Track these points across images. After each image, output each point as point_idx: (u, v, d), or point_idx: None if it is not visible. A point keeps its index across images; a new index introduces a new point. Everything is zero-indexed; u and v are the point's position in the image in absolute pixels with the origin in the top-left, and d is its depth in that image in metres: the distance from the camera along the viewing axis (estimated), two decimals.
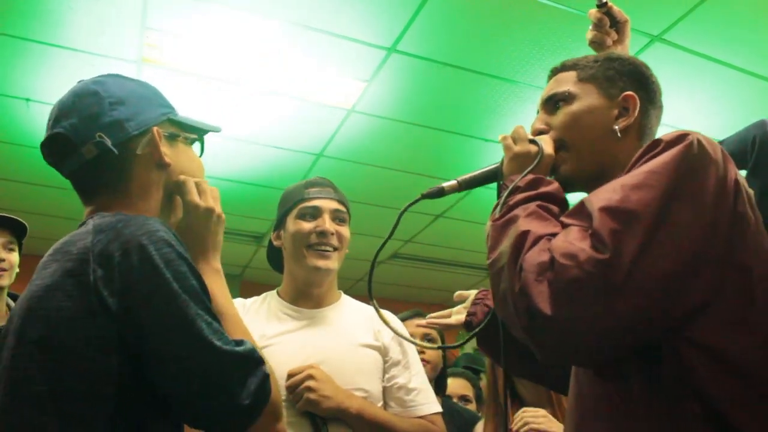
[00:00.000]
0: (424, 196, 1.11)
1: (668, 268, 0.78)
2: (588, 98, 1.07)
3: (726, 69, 3.12)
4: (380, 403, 1.56)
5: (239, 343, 0.91)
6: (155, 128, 1.05)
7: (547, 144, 1.06)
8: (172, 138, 1.09)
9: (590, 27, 1.33)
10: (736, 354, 0.79)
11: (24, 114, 3.49)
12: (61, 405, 0.84)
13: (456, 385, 2.71)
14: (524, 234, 0.87)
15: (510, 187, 1.00)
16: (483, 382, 3.11)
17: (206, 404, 0.87)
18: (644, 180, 0.82)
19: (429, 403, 1.60)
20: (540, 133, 1.09)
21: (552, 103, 1.10)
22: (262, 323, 1.58)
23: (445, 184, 1.11)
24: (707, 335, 0.80)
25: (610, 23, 1.32)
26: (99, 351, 0.85)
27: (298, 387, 1.44)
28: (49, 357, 0.86)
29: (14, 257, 2.32)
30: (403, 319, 2.22)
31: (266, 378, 0.91)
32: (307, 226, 1.62)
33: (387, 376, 1.59)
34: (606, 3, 1.31)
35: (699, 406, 0.78)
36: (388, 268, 5.83)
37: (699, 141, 0.86)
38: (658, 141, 0.88)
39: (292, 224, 1.65)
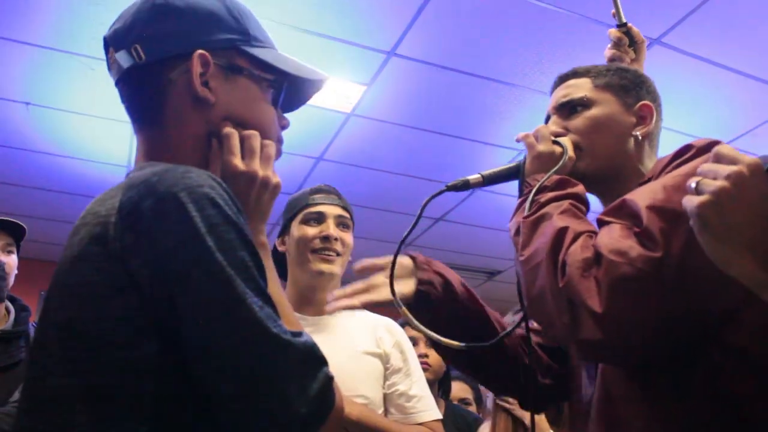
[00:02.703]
0: (449, 188, 1.11)
1: (710, 270, 0.77)
2: (607, 105, 1.11)
3: (725, 72, 3.12)
4: (381, 410, 1.57)
5: (296, 334, 0.71)
6: (199, 52, 0.84)
7: (569, 146, 1.09)
8: (231, 71, 0.87)
9: (609, 45, 1.40)
10: (765, 357, 0.79)
11: (24, 118, 3.49)
12: (89, 404, 0.67)
13: (456, 389, 2.73)
14: (563, 230, 0.87)
15: (537, 186, 1.01)
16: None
17: (251, 409, 0.67)
18: (684, 182, 0.82)
19: (429, 410, 1.62)
20: (557, 135, 1.11)
21: (568, 108, 1.13)
22: None
23: (470, 177, 1.11)
24: (739, 338, 0.80)
25: (629, 43, 1.39)
26: (132, 337, 0.68)
27: None
28: (74, 345, 0.69)
29: (13, 260, 2.33)
30: (404, 324, 2.22)
31: (330, 382, 0.72)
32: (311, 231, 1.63)
33: (388, 383, 1.60)
34: (626, 24, 1.38)
35: (728, 408, 0.79)
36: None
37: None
38: (690, 146, 0.90)
39: (296, 229, 1.66)
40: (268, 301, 0.70)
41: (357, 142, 3.82)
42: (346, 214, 1.70)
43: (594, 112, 1.11)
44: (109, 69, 0.90)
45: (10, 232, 2.36)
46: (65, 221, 4.38)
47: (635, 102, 1.11)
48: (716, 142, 0.87)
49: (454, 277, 1.19)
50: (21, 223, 2.38)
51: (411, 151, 3.91)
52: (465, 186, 1.10)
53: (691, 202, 0.70)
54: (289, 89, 0.95)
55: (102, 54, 0.92)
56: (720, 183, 0.68)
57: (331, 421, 0.71)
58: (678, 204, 0.79)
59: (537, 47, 2.96)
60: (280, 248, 1.72)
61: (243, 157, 0.86)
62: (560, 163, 1.05)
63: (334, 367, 1.68)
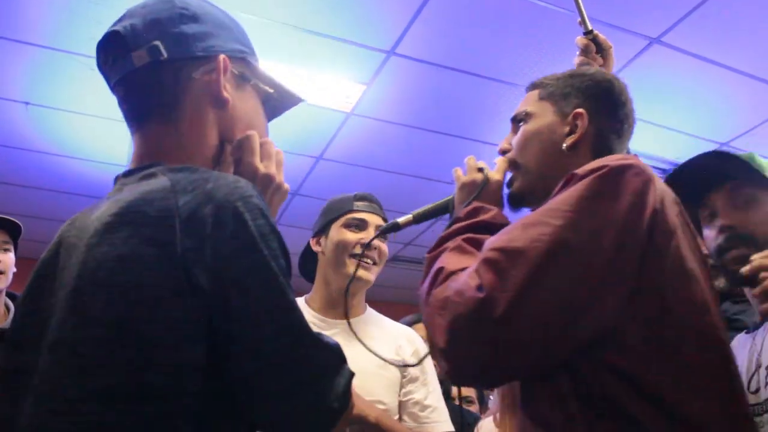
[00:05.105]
0: (382, 232, 1.24)
1: (559, 299, 0.80)
2: (542, 117, 1.10)
3: (725, 71, 3.12)
4: (396, 417, 1.59)
5: (320, 335, 0.78)
6: (223, 56, 0.88)
7: (497, 169, 1.11)
8: (241, 79, 0.92)
9: (578, 53, 1.42)
10: (648, 379, 0.81)
11: (23, 117, 3.49)
12: (138, 403, 0.68)
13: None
14: (439, 271, 0.93)
15: (452, 219, 1.06)
16: None
17: (293, 405, 0.73)
18: (539, 217, 0.86)
19: (442, 422, 1.64)
20: (504, 152, 1.15)
21: (515, 123, 1.15)
22: None
23: (400, 219, 1.20)
24: (620, 359, 0.82)
25: (596, 49, 1.41)
26: (185, 339, 0.70)
27: None
28: (125, 344, 0.69)
29: (10, 258, 2.33)
30: (408, 324, 2.23)
31: (351, 378, 0.79)
32: (352, 236, 1.67)
33: (404, 390, 1.62)
34: (592, 31, 1.41)
35: (622, 423, 0.80)
36: (389, 271, 5.81)
37: (614, 172, 0.86)
38: (574, 174, 0.90)
39: (336, 232, 1.69)
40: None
41: (357, 141, 3.82)
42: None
43: (528, 126, 1.11)
44: (105, 65, 0.91)
45: (7, 229, 2.36)
46: (65, 221, 4.38)
47: (571, 110, 1.07)
48: (601, 167, 0.87)
49: None
50: (17, 221, 2.39)
51: (411, 151, 3.91)
52: (395, 228, 1.21)
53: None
54: (273, 105, 1.01)
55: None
56: None
57: (347, 415, 0.78)
58: (523, 240, 0.83)
59: (537, 47, 2.96)
60: (315, 248, 1.76)
61: (261, 160, 0.91)
62: (477, 191, 1.08)
63: (357, 372, 1.72)
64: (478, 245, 0.95)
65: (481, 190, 1.08)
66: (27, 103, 3.38)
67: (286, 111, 1.06)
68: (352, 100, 3.41)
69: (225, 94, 0.89)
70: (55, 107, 3.40)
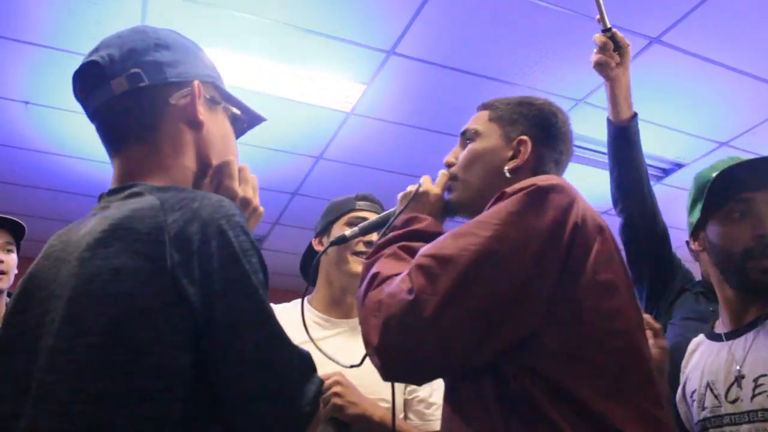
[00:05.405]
0: (332, 243, 1.33)
1: (483, 304, 0.86)
2: (489, 139, 1.16)
3: (725, 70, 3.12)
4: (401, 415, 1.59)
5: (295, 346, 0.84)
6: (197, 82, 0.96)
7: (437, 182, 1.18)
8: (212, 102, 0.99)
9: (595, 50, 1.43)
10: (566, 383, 0.86)
11: (23, 117, 3.49)
12: (128, 406, 0.73)
13: None
14: (374, 275, 0.98)
15: (387, 226, 1.14)
16: None
17: (270, 409, 0.79)
18: (469, 229, 0.92)
19: None
20: (450, 165, 1.21)
21: (463, 138, 1.21)
22: (292, 331, 1.61)
23: (347, 232, 1.30)
24: (540, 363, 0.87)
25: (613, 47, 1.42)
26: (173, 346, 0.75)
27: (325, 393, 1.46)
28: (117, 350, 0.74)
29: (12, 258, 2.33)
30: None
31: (321, 386, 0.85)
32: None
33: (408, 389, 1.62)
34: (610, 29, 1.44)
35: (541, 423, 0.84)
36: None
37: (541, 191, 0.93)
38: (504, 192, 0.96)
39: (339, 231, 1.70)
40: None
41: (357, 141, 3.82)
42: None
43: (475, 145, 1.17)
44: (83, 93, 0.95)
45: (10, 230, 2.36)
46: (64, 220, 4.37)
47: (516, 136, 1.14)
48: (529, 186, 0.93)
49: None
50: (20, 222, 2.39)
51: (411, 150, 3.91)
52: (343, 240, 1.30)
53: None
54: (240, 125, 1.09)
55: None
56: None
57: (316, 420, 0.84)
58: (453, 249, 0.89)
59: (537, 46, 2.96)
60: (317, 247, 1.77)
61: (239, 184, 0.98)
62: (407, 201, 1.15)
63: (361, 371, 1.72)
64: (411, 252, 1.01)
65: (411, 200, 1.15)
66: (27, 103, 3.38)
67: (251, 129, 1.13)
68: (352, 99, 3.41)
69: (200, 117, 0.95)
70: (55, 107, 3.40)
